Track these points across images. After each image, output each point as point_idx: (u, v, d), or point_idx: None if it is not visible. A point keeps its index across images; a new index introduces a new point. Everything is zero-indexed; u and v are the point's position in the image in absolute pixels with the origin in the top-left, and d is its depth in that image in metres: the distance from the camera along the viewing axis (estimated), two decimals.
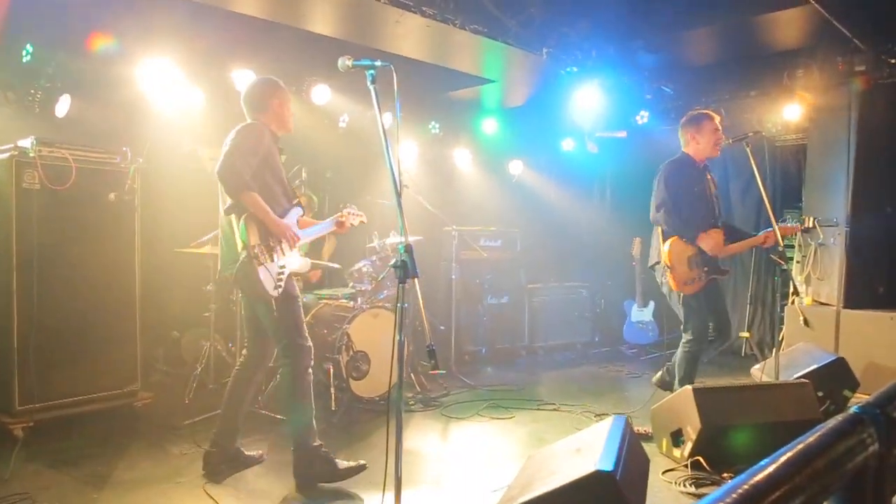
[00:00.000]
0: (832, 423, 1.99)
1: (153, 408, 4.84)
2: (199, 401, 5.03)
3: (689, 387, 3.99)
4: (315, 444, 3.70)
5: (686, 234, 4.75)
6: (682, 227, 4.77)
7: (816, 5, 4.93)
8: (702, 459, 3.81)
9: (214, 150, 6.58)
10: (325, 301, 5.63)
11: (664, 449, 4.17)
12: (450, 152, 8.32)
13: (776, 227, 4.74)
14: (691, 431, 3.91)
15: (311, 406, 3.75)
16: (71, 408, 4.42)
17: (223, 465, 3.87)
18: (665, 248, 4.83)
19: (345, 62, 2.74)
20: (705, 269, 4.76)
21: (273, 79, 3.92)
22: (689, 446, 3.92)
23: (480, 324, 7.31)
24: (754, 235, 5.00)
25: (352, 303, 5.61)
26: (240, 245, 3.53)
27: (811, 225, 6.44)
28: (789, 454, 1.69)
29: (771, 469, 1.57)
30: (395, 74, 2.66)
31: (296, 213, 3.88)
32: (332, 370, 5.05)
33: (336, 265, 5.90)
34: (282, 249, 3.69)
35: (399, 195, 2.59)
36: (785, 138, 7.32)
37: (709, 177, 5.03)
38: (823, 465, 1.70)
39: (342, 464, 3.72)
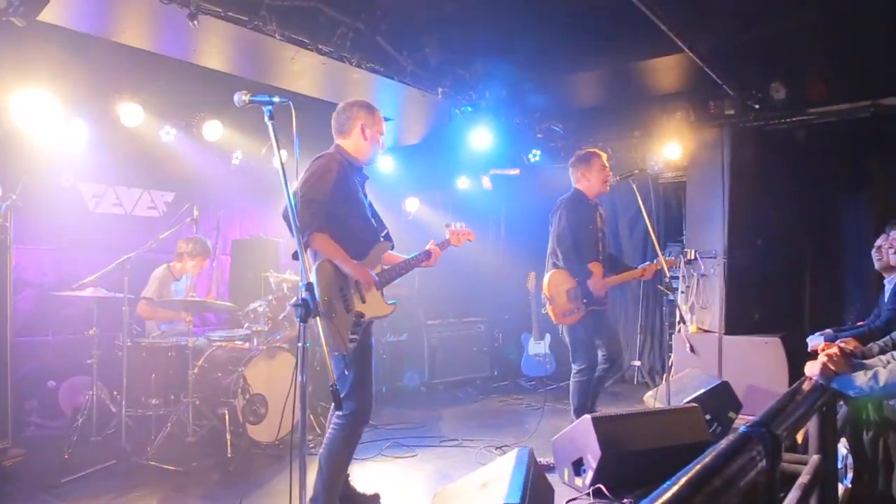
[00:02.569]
0: (724, 443, 2.09)
1: (26, 466, 4.45)
2: (81, 456, 4.64)
3: (587, 416, 4.09)
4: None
5: (579, 273, 5.01)
6: (577, 264, 5.03)
7: (690, 53, 5.29)
8: (603, 487, 3.89)
9: (98, 187, 6.31)
10: (218, 343, 5.40)
11: (566, 478, 4.24)
12: None
13: (662, 260, 5.03)
14: (592, 459, 3.99)
15: (346, 471, 3.59)
16: None
17: None
18: (545, 279, 5.10)
19: (241, 97, 2.67)
20: (584, 300, 5.01)
21: (364, 102, 3.70)
22: (590, 474, 3.99)
23: (380, 362, 7.23)
24: (634, 269, 5.31)
25: (247, 344, 5.42)
26: None
27: (692, 257, 6.83)
28: (688, 475, 1.75)
29: (672, 491, 1.62)
30: (293, 111, 2.62)
31: (381, 248, 3.64)
32: (227, 415, 4.83)
33: (229, 304, 5.70)
34: (360, 296, 3.42)
35: (299, 233, 2.54)
36: (666, 176, 7.77)
37: (599, 212, 5.32)
38: (720, 484, 1.78)
39: None
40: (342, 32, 4.93)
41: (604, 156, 5.28)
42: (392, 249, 3.78)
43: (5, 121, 5.16)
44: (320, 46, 4.89)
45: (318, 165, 3.44)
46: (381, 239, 3.68)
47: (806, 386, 2.92)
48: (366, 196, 3.72)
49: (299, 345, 2.33)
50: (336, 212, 3.41)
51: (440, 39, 5.54)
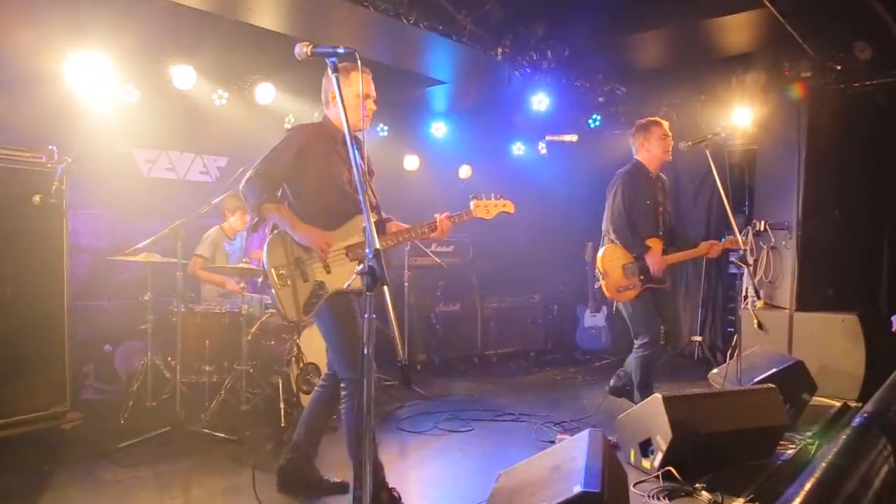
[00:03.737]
0: (845, 438, 1.84)
1: (83, 430, 4.42)
2: (136, 421, 4.64)
3: (658, 395, 3.86)
4: (381, 478, 3.33)
5: (635, 248, 4.84)
6: (633, 241, 4.85)
7: (771, 8, 4.91)
8: (673, 469, 3.68)
9: (151, 152, 6.25)
10: (271, 311, 5.32)
11: (633, 459, 4.04)
12: (398, 155, 8.12)
13: (738, 237, 4.74)
14: (661, 441, 3.78)
15: (374, 443, 3.37)
16: None
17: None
18: (600, 253, 4.93)
19: (302, 49, 2.48)
20: (641, 277, 4.83)
21: (340, 65, 3.31)
22: (659, 456, 3.79)
23: (433, 332, 7.11)
24: (698, 245, 5.04)
25: None
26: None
27: (762, 228, 6.48)
28: (816, 477, 1.52)
29: (802, 498, 1.40)
30: (359, 63, 2.43)
31: (361, 220, 3.32)
32: (281, 384, 4.76)
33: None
34: (323, 266, 3.30)
35: (364, 195, 2.35)
36: (732, 143, 7.37)
37: (660, 185, 5.07)
38: (855, 487, 1.55)
39: None
40: None
41: (665, 123, 4.98)
42: (383, 221, 3.61)
43: (61, 85, 5.11)
44: (377, 3, 4.67)
45: (282, 139, 3.44)
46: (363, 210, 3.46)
47: None
48: (357, 165, 3.45)
49: (366, 316, 2.16)
50: (303, 184, 3.38)
51: None
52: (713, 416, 3.89)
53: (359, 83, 3.23)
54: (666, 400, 3.79)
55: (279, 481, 3.57)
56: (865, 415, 1.99)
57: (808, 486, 1.47)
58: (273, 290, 3.25)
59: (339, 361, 3.35)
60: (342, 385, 3.34)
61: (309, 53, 2.48)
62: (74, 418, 4.42)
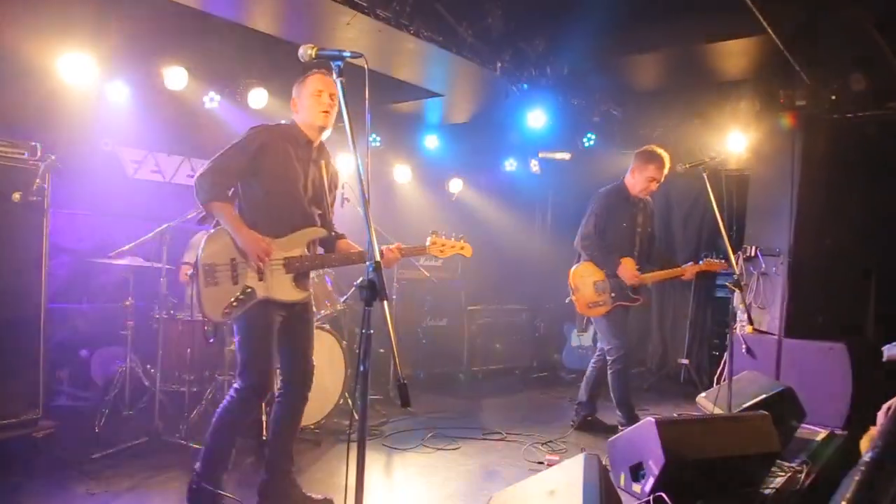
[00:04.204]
0: (860, 476, 1.78)
1: (56, 439, 4.22)
2: (111, 430, 4.48)
3: (651, 419, 3.79)
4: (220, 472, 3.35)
5: (607, 266, 5.02)
6: (603, 258, 5.03)
7: (773, 36, 4.91)
8: (664, 495, 3.60)
9: (137, 152, 6.12)
10: None
11: (622, 483, 3.95)
12: (389, 167, 8.05)
13: (731, 258, 4.75)
14: (653, 465, 3.70)
15: (233, 445, 3.40)
16: None
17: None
18: (572, 269, 5.15)
19: (307, 51, 2.40)
20: (612, 294, 5.01)
21: (309, 73, 3.40)
22: (650, 481, 3.70)
23: (419, 347, 7.01)
24: (677, 266, 5.24)
25: None
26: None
27: (752, 254, 6.47)
28: None
29: None
30: (367, 67, 2.34)
31: (308, 234, 3.38)
32: None
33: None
34: (256, 272, 3.22)
35: (367, 205, 2.27)
36: (727, 168, 7.36)
37: (642, 207, 5.23)
38: None
39: None
40: None
41: (664, 168, 5.09)
42: (333, 238, 3.56)
43: (49, 81, 4.98)
44: (378, 11, 4.60)
45: (244, 135, 3.36)
46: (316, 225, 3.45)
47: None
48: (322, 176, 3.49)
49: (363, 331, 2.07)
50: (256, 186, 3.31)
51: (504, 9, 5.22)
52: (706, 441, 3.82)
53: (314, 84, 3.33)
54: (659, 424, 3.71)
55: (260, 500, 3.45)
56: (877, 449, 1.94)
57: None
58: (198, 286, 3.20)
59: (240, 366, 3.30)
60: (235, 386, 3.30)
61: (314, 56, 2.40)
62: (46, 426, 4.22)
